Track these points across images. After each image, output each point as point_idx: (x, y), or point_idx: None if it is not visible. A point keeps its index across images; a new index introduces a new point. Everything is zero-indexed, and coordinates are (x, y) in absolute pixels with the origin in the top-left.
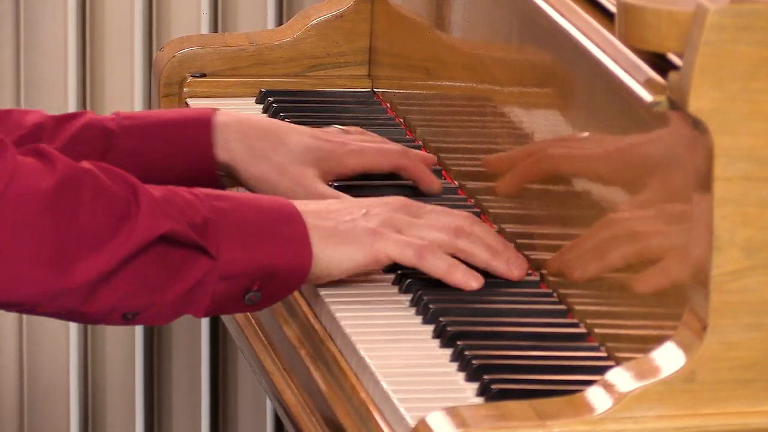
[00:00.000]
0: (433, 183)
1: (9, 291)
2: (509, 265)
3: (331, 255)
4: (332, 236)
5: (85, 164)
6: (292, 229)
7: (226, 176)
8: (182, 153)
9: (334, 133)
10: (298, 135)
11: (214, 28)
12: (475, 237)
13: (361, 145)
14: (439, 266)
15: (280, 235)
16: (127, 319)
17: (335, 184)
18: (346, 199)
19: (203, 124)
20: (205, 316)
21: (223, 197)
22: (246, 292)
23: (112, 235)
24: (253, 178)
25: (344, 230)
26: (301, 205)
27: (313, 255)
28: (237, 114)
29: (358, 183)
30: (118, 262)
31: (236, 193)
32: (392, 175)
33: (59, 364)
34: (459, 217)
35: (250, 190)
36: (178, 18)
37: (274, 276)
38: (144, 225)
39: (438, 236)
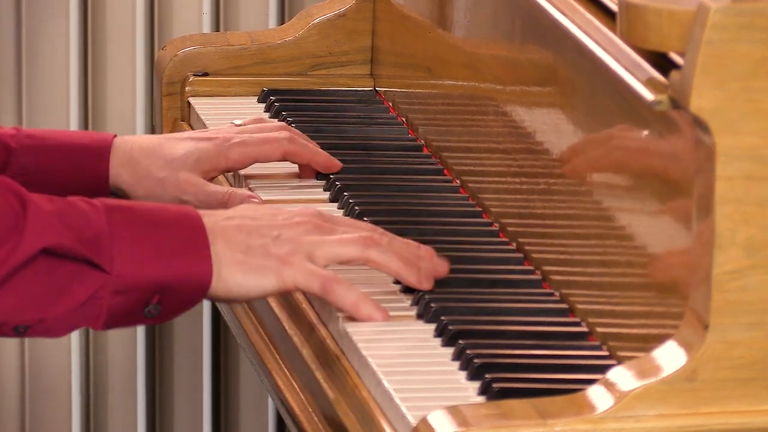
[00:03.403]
0: (328, 161)
1: None
2: (420, 276)
3: (240, 282)
4: (242, 263)
5: None
6: (193, 243)
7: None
8: (78, 178)
9: (221, 130)
10: (175, 143)
11: (216, 28)
12: (386, 247)
13: (243, 137)
14: (346, 299)
15: (179, 249)
16: (19, 332)
17: (338, 184)
18: (259, 209)
19: (104, 152)
20: (104, 329)
21: (125, 209)
22: (145, 305)
23: None
24: (140, 198)
25: (255, 255)
26: (210, 221)
27: (222, 279)
28: (132, 138)
29: (361, 182)
30: (2, 277)
31: (141, 203)
32: (391, 171)
33: (61, 364)
34: (370, 228)
35: None
36: (179, 17)
37: (172, 290)
38: (28, 239)
39: (349, 251)
